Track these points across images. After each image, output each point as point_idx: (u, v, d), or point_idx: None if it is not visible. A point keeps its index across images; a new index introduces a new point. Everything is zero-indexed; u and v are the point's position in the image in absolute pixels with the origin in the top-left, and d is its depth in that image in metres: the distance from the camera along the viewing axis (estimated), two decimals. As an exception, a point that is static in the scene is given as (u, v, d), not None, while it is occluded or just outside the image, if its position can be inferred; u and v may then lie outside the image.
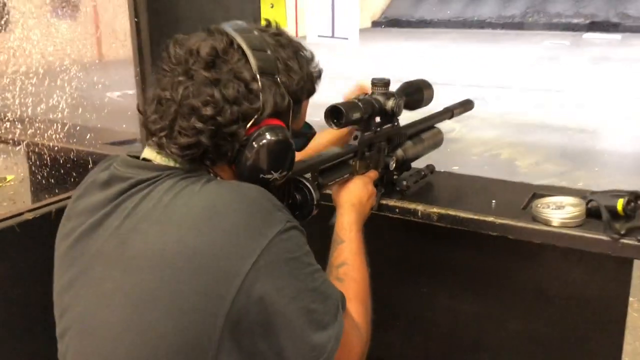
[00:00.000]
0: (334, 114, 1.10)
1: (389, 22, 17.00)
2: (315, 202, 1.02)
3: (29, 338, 1.26)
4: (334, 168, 1.13)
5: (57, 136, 1.44)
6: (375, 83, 1.19)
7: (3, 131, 1.60)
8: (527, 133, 5.81)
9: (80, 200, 0.90)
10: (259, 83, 0.84)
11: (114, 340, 0.80)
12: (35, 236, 1.19)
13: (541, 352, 1.54)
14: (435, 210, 1.22)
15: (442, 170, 1.49)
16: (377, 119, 1.22)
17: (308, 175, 1.04)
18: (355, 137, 1.18)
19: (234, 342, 0.77)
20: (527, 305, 1.52)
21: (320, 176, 1.08)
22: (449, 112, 1.46)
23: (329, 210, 1.12)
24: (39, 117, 1.61)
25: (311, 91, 0.95)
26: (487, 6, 16.81)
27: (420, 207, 1.24)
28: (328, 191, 1.15)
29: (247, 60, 0.84)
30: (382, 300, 1.62)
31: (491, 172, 4.19)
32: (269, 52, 0.87)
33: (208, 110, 0.82)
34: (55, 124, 1.57)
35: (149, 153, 0.87)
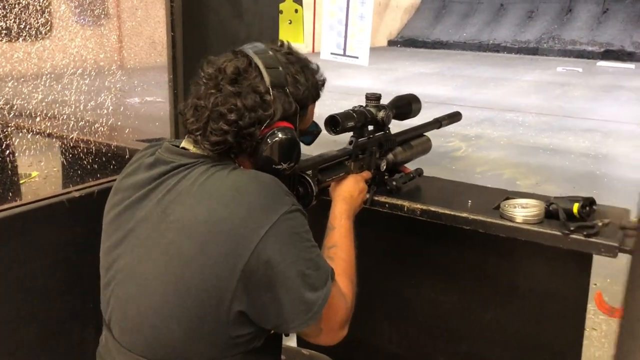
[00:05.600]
0: (332, 123, 1.32)
1: (405, 42, 17.29)
2: (314, 194, 1.24)
3: (71, 293, 1.48)
4: (332, 167, 1.35)
5: (101, 132, 1.66)
6: (369, 97, 1.42)
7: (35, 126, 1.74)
8: (531, 155, 5.98)
9: (128, 178, 1.12)
10: (271, 94, 1.06)
11: (151, 286, 1.01)
12: (80, 210, 1.42)
13: (512, 341, 1.72)
14: (418, 206, 1.43)
15: (429, 175, 1.70)
16: (370, 127, 1.44)
17: (310, 172, 1.27)
18: (351, 142, 1.40)
19: (245, 292, 0.98)
20: (499, 298, 1.70)
21: (319, 173, 1.30)
22: (438, 123, 1.67)
23: (327, 203, 1.34)
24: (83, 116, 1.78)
25: (316, 97, 1.17)
26: (503, 30, 17.02)
27: (406, 203, 1.44)
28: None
29: (262, 77, 1.06)
30: (373, 290, 1.83)
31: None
32: (280, 68, 1.09)
33: (232, 116, 1.04)
34: (98, 122, 1.75)
35: (186, 144, 1.10)
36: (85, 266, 1.44)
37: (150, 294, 1.01)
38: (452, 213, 1.39)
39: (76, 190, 1.40)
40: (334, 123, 1.30)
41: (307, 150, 1.40)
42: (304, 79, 1.12)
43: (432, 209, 1.41)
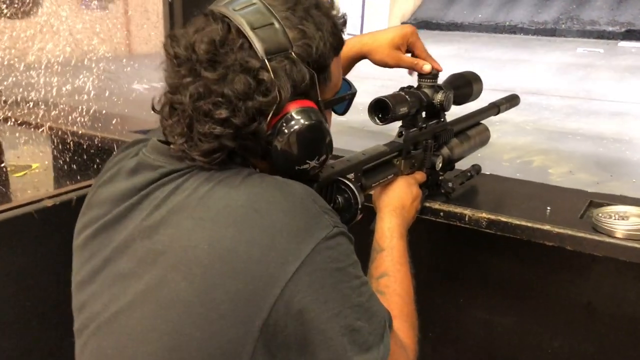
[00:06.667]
0: (379, 108, 1.00)
1: (418, 24, 16.77)
2: (359, 206, 0.91)
3: (42, 329, 1.19)
4: (378, 168, 1.03)
5: (82, 121, 1.37)
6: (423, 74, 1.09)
7: (24, 112, 1.55)
8: (560, 141, 5.65)
9: (104, 187, 0.82)
10: (269, 69, 0.73)
11: (136, 341, 0.72)
12: (54, 224, 1.12)
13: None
14: (484, 215, 1.12)
15: (487, 173, 1.39)
16: (423, 114, 1.13)
17: (351, 176, 0.94)
18: (400, 134, 1.09)
19: (268, 356, 0.69)
20: (571, 321, 1.41)
21: (363, 177, 0.99)
22: (496, 108, 1.36)
23: (370, 212, 1.03)
24: (64, 102, 1.56)
25: (338, 47, 0.82)
26: (519, 11, 16.52)
27: (467, 212, 1.14)
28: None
29: (251, 45, 0.73)
30: (416, 308, 1.54)
31: (524, 180, 4.07)
32: (275, 24, 0.75)
33: (222, 113, 0.72)
34: (79, 109, 1.51)
35: None
36: (62, 295, 1.15)
37: (135, 352, 0.73)
38: (530, 225, 1.08)
39: (49, 198, 1.10)
40: (382, 109, 0.98)
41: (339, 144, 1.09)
42: (313, 27, 0.77)
43: (503, 219, 1.10)
